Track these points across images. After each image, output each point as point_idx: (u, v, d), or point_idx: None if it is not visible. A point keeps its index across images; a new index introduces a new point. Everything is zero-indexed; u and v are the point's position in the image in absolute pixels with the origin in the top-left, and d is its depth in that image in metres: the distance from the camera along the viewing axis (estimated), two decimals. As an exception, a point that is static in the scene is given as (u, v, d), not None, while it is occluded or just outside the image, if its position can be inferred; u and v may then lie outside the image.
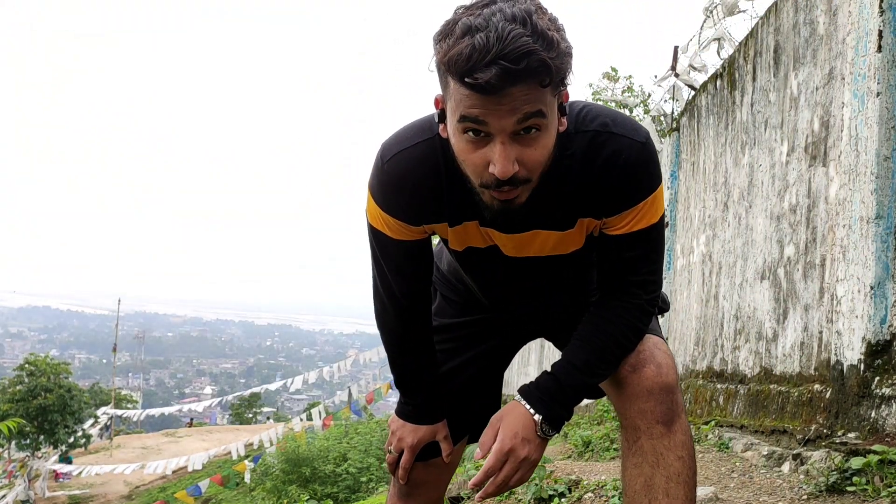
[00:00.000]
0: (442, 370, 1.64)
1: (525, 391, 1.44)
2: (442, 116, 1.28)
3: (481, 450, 1.41)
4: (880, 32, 2.72)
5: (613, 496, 2.75)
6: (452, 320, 1.70)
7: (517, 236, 1.43)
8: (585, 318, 1.46)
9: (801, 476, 2.69)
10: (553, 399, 1.41)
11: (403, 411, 1.62)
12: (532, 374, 14.99)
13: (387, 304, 1.56)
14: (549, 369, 1.45)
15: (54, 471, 22.19)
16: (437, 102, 1.29)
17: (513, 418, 1.41)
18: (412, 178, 1.38)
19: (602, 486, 2.93)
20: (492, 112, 1.16)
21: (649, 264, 1.43)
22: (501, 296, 1.60)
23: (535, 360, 13.46)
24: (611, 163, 1.32)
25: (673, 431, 1.40)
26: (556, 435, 1.44)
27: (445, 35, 1.17)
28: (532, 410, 1.40)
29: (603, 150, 1.32)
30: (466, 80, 1.14)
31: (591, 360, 1.41)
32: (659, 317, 1.62)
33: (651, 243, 1.41)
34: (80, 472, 19.76)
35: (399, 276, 1.51)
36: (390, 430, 1.66)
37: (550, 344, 1.80)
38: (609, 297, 1.45)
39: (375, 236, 1.49)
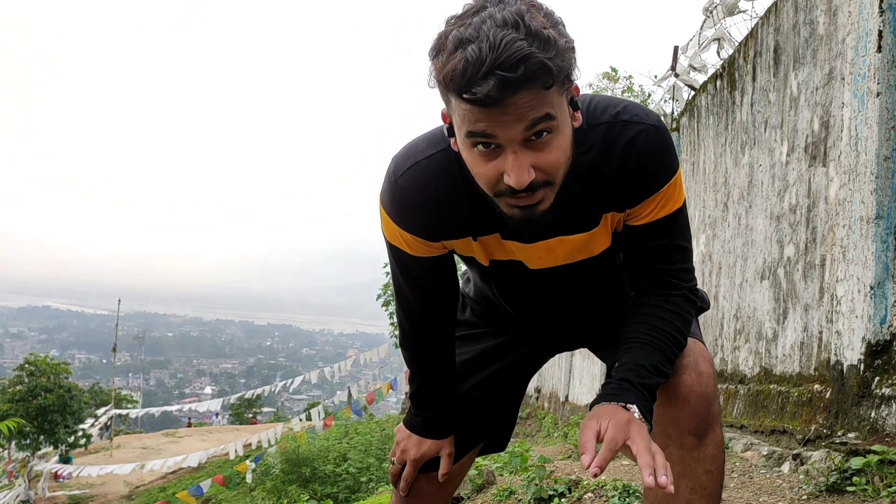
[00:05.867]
0: (466, 379, 1.60)
1: (599, 398, 1.29)
2: (451, 131, 1.22)
3: (586, 453, 1.19)
4: (880, 33, 2.73)
5: (613, 496, 2.75)
6: (481, 330, 1.66)
7: (542, 244, 1.36)
8: (631, 318, 1.38)
9: (801, 476, 2.69)
10: (630, 391, 1.27)
11: (412, 423, 1.59)
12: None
13: (405, 321, 1.52)
14: (611, 376, 1.33)
15: (55, 472, 22.19)
16: (444, 117, 1.23)
17: (606, 411, 1.24)
18: (428, 191, 1.31)
19: (602, 486, 2.93)
20: (497, 124, 1.10)
21: (680, 251, 1.39)
22: (533, 312, 1.55)
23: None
24: (629, 151, 1.27)
25: (704, 444, 1.34)
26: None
27: (439, 50, 1.12)
28: (622, 404, 1.24)
29: (619, 140, 1.27)
30: (465, 95, 1.08)
31: (653, 358, 1.31)
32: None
33: (679, 229, 1.37)
34: (80, 472, 19.75)
35: (419, 292, 1.47)
36: (395, 440, 1.62)
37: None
38: (649, 293, 1.39)
39: (394, 253, 1.43)
